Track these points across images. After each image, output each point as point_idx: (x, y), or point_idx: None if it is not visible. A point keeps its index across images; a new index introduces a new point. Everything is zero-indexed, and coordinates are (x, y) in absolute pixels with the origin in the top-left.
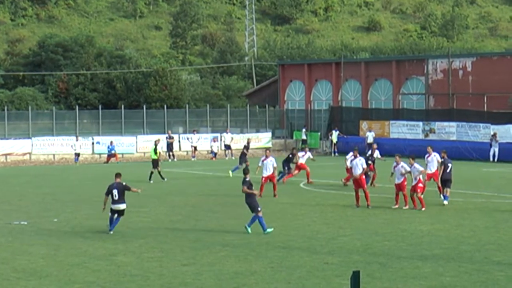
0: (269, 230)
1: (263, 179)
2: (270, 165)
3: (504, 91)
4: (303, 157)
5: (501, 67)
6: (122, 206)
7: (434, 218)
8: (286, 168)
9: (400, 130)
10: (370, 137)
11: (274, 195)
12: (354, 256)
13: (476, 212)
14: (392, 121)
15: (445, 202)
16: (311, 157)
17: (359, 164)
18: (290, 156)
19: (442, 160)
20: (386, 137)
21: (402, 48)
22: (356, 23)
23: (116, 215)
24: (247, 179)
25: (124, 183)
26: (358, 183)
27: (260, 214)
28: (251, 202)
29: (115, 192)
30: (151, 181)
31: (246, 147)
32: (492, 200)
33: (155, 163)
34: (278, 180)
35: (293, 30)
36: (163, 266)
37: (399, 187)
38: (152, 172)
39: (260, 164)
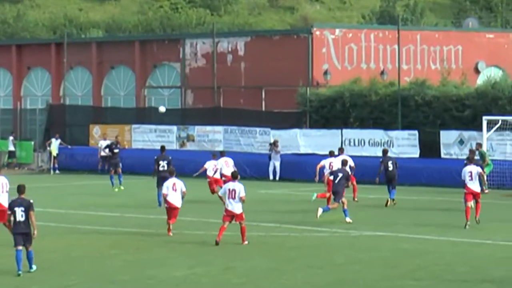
0: (34, 267)
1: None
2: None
3: (290, 84)
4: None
5: (285, 51)
6: None
7: (194, 258)
8: None
9: (147, 137)
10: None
11: None
12: None
13: (252, 249)
14: (135, 125)
15: None
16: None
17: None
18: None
19: None
20: (127, 147)
21: (149, 23)
22: None
23: None
24: (31, 200)
25: None
26: None
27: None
28: (28, 232)
29: None
30: None
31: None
32: (273, 233)
33: None
34: None
35: None
36: None
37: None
38: None
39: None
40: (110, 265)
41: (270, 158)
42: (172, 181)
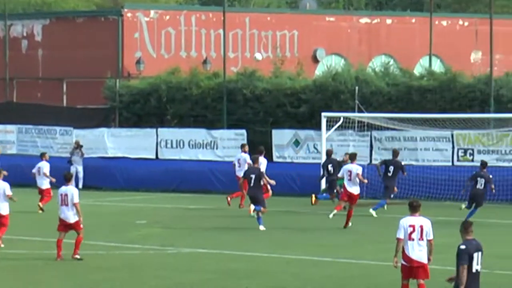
0: None
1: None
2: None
3: (96, 75)
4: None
5: (90, 36)
6: None
7: None
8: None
9: None
10: None
11: None
12: None
13: (48, 271)
14: None
15: None
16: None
17: None
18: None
19: None
20: None
21: None
22: None
23: None
24: None
25: None
26: None
27: None
28: None
29: None
30: None
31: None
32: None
33: None
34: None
35: None
36: None
37: None
38: None
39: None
40: None
41: (71, 163)
42: None
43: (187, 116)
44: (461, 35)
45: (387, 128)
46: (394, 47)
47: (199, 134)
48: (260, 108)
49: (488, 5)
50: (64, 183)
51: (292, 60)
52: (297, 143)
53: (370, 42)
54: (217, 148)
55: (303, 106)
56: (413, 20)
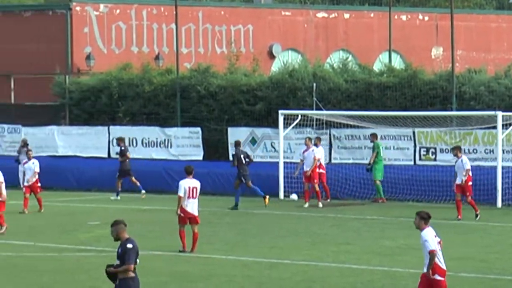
0: None
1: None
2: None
3: (45, 71)
4: None
5: (38, 30)
6: None
7: None
8: None
9: None
10: None
11: None
12: None
13: None
14: None
15: None
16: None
17: None
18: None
19: None
20: None
21: None
22: None
23: None
24: None
25: None
26: None
27: None
28: None
29: None
30: None
31: None
32: (25, 254)
33: None
34: None
35: None
36: None
37: None
38: None
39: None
40: None
41: (18, 162)
42: None
43: (139, 114)
44: (421, 30)
45: (347, 126)
46: (352, 42)
47: (153, 132)
48: (215, 106)
49: (449, 0)
50: (187, 176)
51: (247, 55)
52: (254, 141)
53: (327, 37)
54: (171, 147)
55: (259, 103)
56: (372, 15)
